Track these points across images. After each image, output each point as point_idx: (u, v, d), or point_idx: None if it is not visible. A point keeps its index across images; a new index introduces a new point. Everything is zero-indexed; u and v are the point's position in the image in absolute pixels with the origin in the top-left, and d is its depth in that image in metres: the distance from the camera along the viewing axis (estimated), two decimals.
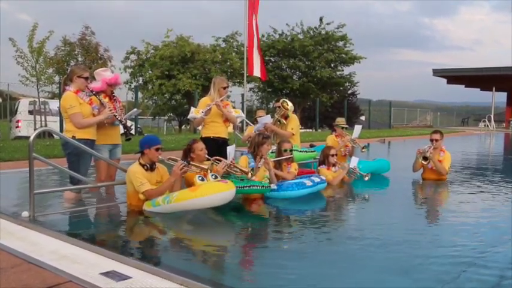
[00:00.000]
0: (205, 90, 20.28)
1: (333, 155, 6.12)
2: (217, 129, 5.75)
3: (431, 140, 6.51)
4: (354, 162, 6.15)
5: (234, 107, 6.33)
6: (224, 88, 5.74)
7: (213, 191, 4.16)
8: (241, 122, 9.25)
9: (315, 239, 3.80)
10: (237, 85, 25.35)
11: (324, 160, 6.20)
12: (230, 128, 6.81)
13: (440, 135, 6.53)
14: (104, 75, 5.14)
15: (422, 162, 6.45)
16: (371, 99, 32.26)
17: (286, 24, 27.76)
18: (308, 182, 5.21)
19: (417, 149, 6.62)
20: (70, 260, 3.02)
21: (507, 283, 2.83)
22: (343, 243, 3.67)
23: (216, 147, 5.45)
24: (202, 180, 4.33)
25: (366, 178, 5.93)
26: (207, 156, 4.78)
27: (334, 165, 6.15)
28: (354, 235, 3.89)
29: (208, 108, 5.59)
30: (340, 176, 6.05)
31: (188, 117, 6.02)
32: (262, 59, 9.58)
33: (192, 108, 5.83)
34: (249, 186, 4.71)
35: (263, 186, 4.89)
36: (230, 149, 4.95)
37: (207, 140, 5.45)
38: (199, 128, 6.11)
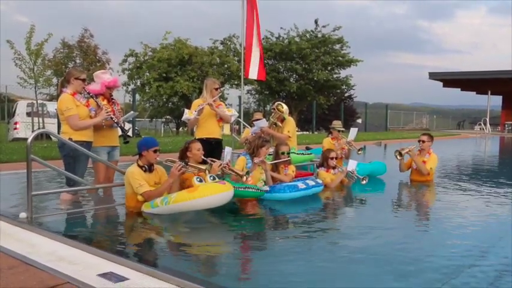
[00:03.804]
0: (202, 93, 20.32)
1: (332, 158, 6.17)
2: (210, 130, 5.75)
3: (419, 141, 6.75)
4: (352, 165, 6.18)
5: (228, 106, 6.35)
6: (216, 89, 5.76)
7: (211, 192, 4.18)
8: (239, 124, 9.26)
9: (310, 241, 3.82)
10: (234, 87, 25.43)
11: (323, 162, 6.25)
12: (227, 130, 6.84)
13: (427, 138, 6.73)
14: (103, 77, 5.16)
15: (398, 157, 6.70)
16: (367, 102, 32.41)
17: (281, 27, 27.92)
18: (301, 185, 5.23)
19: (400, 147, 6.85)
20: (68, 261, 3.03)
21: (504, 286, 2.87)
22: (338, 245, 3.69)
23: (210, 148, 5.46)
24: (201, 181, 4.35)
25: (364, 182, 5.96)
26: (203, 157, 4.81)
27: (334, 168, 6.19)
28: (349, 238, 3.92)
29: (200, 107, 5.59)
30: (339, 179, 6.10)
31: (182, 119, 6.04)
32: (261, 58, 9.50)
33: (186, 110, 5.84)
34: (243, 188, 4.72)
35: (258, 190, 4.90)
36: (227, 151, 4.98)
37: (200, 142, 5.44)
38: (195, 129, 6.12)
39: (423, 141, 6.68)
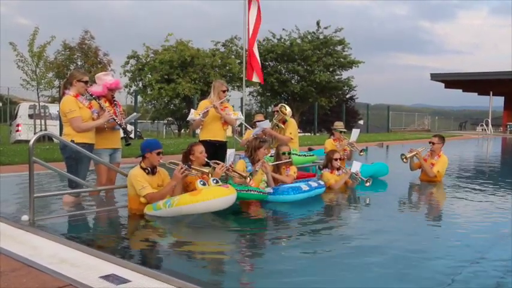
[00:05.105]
0: (204, 95, 20.35)
1: (336, 159, 6.15)
2: (215, 132, 5.77)
3: (429, 142, 6.76)
4: (356, 166, 6.16)
5: (233, 109, 6.37)
6: (223, 91, 5.80)
7: (214, 195, 4.18)
8: (240, 125, 9.24)
9: (313, 244, 3.82)
10: (236, 89, 25.44)
11: (327, 164, 6.23)
12: (229, 132, 6.84)
13: (438, 139, 6.70)
14: (105, 79, 5.16)
15: (404, 160, 6.73)
16: (369, 103, 32.35)
17: (283, 29, 27.93)
18: (305, 187, 5.22)
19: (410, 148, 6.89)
20: (70, 263, 3.03)
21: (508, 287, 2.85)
22: (341, 247, 3.68)
23: (213, 150, 5.47)
24: (204, 184, 4.34)
25: (367, 184, 5.93)
26: (206, 159, 4.80)
27: (338, 169, 6.17)
28: (352, 240, 3.90)
29: (206, 110, 5.62)
30: (342, 180, 6.07)
31: (188, 119, 6.07)
32: (254, 60, 9.42)
33: (192, 110, 5.88)
34: (246, 191, 4.71)
35: (261, 192, 4.89)
36: (230, 153, 4.97)
37: (204, 144, 5.45)
38: (198, 131, 6.14)
39: (433, 143, 6.66)
